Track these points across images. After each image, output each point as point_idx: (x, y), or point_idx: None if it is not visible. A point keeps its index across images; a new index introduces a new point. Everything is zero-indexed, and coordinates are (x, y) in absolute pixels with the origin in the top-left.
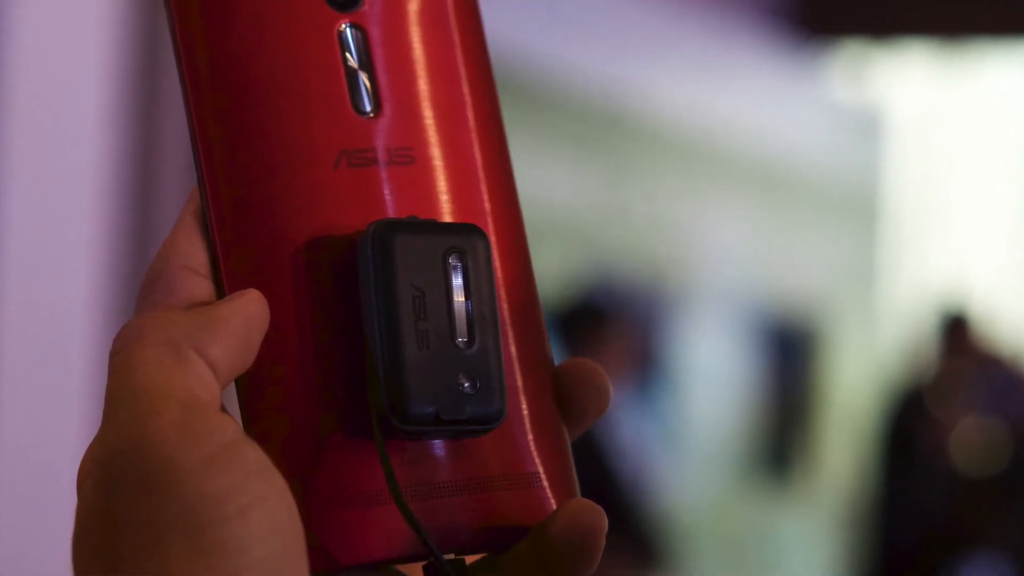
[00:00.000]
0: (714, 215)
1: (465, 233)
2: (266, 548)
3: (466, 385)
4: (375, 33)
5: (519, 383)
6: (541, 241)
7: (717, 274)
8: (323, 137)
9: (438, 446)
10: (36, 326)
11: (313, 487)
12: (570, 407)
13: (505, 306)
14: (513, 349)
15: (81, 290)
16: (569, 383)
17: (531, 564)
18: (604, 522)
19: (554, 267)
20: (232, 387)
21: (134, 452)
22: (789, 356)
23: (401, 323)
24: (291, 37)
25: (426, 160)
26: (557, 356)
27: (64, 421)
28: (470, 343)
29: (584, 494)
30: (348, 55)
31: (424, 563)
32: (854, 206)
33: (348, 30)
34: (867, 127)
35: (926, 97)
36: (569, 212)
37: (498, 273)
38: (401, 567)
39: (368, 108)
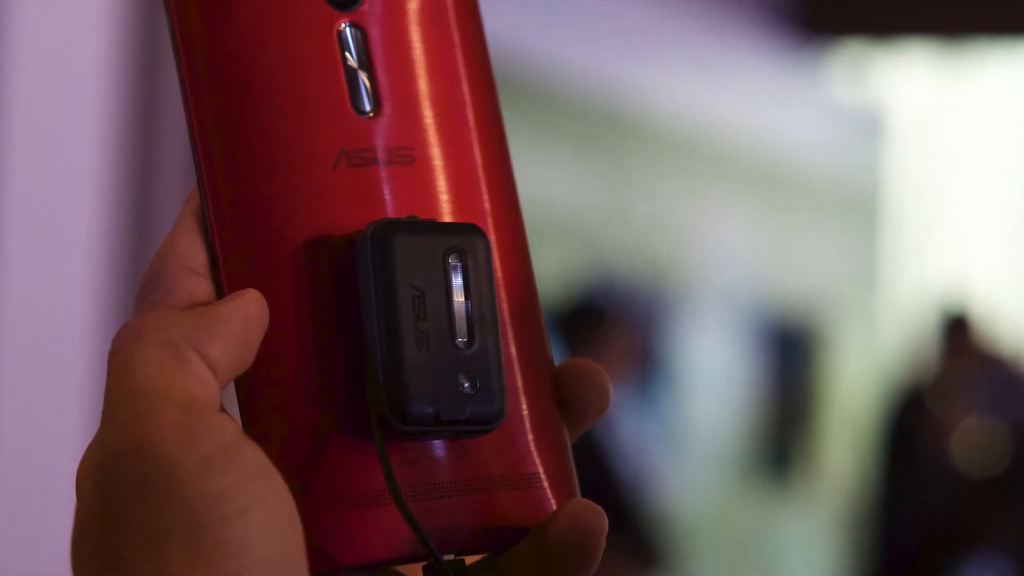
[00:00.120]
0: (714, 215)
1: (465, 233)
2: (265, 549)
3: (466, 385)
4: (375, 32)
5: (519, 383)
6: (541, 241)
7: (717, 274)
8: (322, 137)
9: (438, 446)
10: (35, 326)
11: (312, 487)
12: (570, 407)
13: (505, 306)
14: (513, 349)
15: (80, 290)
16: (569, 383)
17: (531, 565)
18: (604, 522)
19: (554, 267)
20: (232, 387)
21: (133, 452)
22: (789, 356)
23: (401, 323)
24: (290, 36)
25: (426, 160)
26: (557, 356)
27: (63, 421)
28: (470, 343)
29: (584, 494)
30: (348, 54)
31: (424, 564)
32: (855, 206)
33: (348, 29)
34: (868, 127)
35: (927, 97)
36: (569, 212)
37: (498, 273)
38: (401, 568)
39: (368, 108)
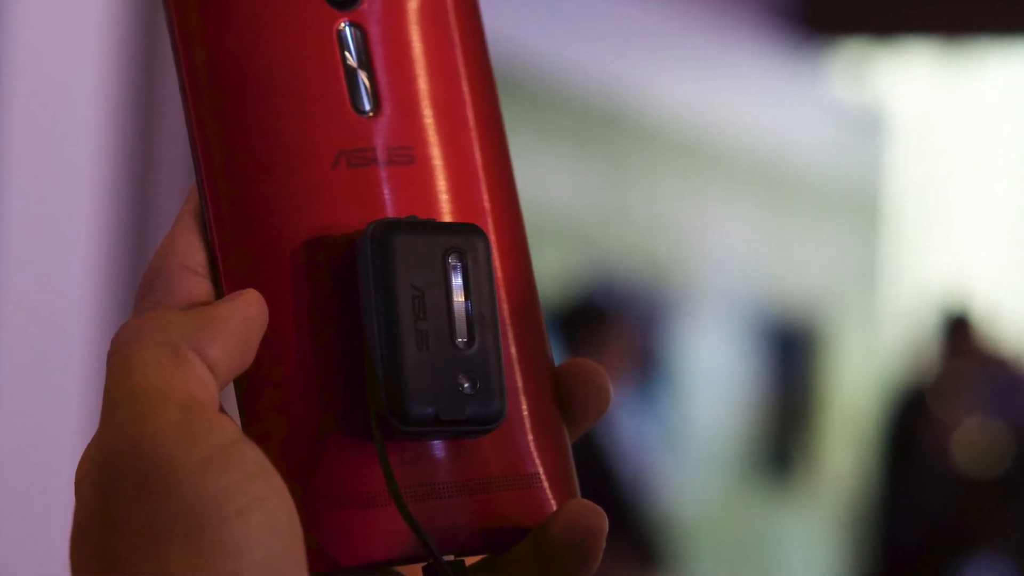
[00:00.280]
0: (715, 215)
1: (465, 233)
2: (265, 549)
3: (466, 385)
4: (374, 32)
5: (519, 383)
6: (541, 241)
7: (718, 274)
8: (322, 136)
9: (438, 447)
10: (34, 326)
11: (312, 488)
12: (570, 407)
13: (505, 306)
14: (513, 349)
15: (79, 290)
16: (569, 383)
17: (531, 565)
18: (604, 523)
19: (554, 267)
20: (231, 387)
21: (132, 453)
22: (790, 356)
23: (400, 323)
24: (290, 36)
25: (425, 160)
26: (557, 356)
27: (62, 421)
28: (470, 343)
29: (584, 495)
30: (347, 54)
31: (424, 564)
32: (855, 206)
33: (347, 29)
34: (868, 126)
35: (928, 96)
36: (569, 212)
37: (498, 273)
38: (400, 568)
39: (367, 107)
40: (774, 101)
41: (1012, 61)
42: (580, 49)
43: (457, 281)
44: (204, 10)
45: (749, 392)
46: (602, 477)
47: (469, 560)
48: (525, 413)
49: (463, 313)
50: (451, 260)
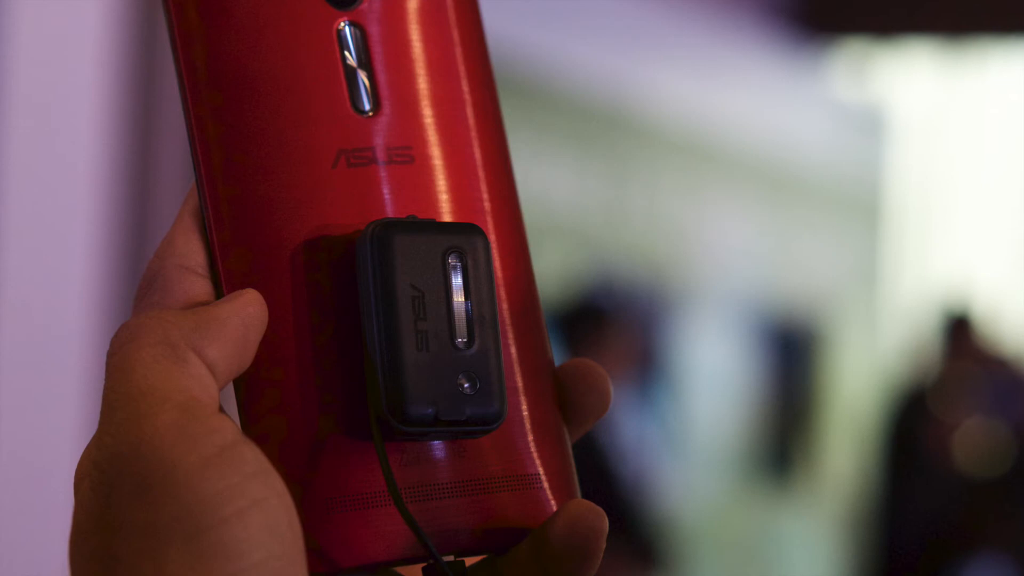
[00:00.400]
0: (716, 214)
1: (465, 233)
2: (265, 550)
3: (466, 386)
4: (374, 31)
5: (519, 384)
6: (541, 241)
7: (719, 274)
8: (322, 136)
9: (437, 447)
10: (33, 326)
11: (312, 489)
12: (571, 408)
13: (505, 306)
14: (513, 350)
15: (79, 290)
16: (570, 384)
17: (531, 566)
18: (605, 524)
19: (554, 267)
20: (231, 388)
21: (131, 454)
22: (791, 357)
23: (400, 324)
24: (290, 35)
25: (425, 159)
26: (557, 356)
27: (61, 422)
28: (469, 344)
29: (585, 495)
30: (347, 53)
31: (423, 565)
32: (857, 205)
33: (347, 28)
34: (870, 126)
35: (930, 96)
36: (570, 212)
37: (498, 273)
38: (400, 569)
39: (367, 107)
40: (775, 101)
41: (1013, 60)
42: (581, 48)
43: (457, 281)
44: (204, 10)
45: (750, 392)
46: (602, 477)
47: (469, 561)
48: (525, 413)
49: (463, 313)
50: (451, 260)
